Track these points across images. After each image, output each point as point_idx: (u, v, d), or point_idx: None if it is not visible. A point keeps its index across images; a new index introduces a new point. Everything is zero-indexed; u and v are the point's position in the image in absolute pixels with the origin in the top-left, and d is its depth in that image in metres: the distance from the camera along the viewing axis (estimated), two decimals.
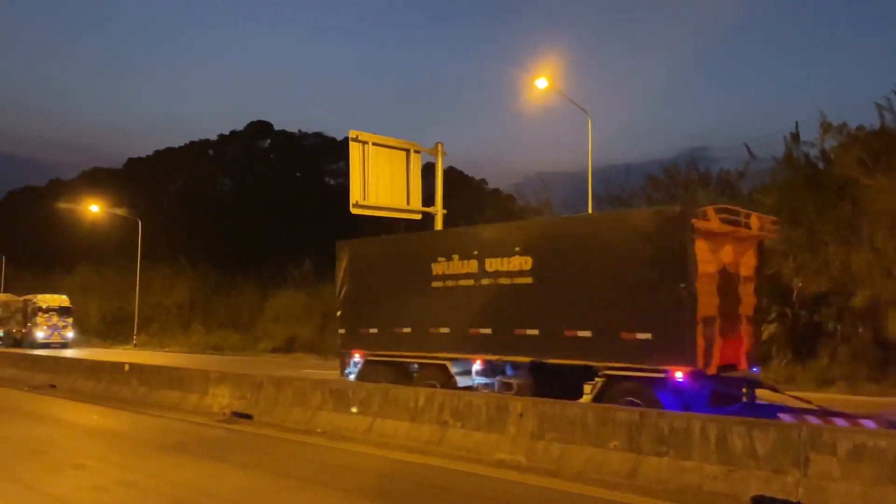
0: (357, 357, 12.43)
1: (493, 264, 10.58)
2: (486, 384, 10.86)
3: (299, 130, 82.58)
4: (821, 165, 20.81)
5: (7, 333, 41.02)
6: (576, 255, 9.90)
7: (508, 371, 10.74)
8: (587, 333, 9.48)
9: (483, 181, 71.84)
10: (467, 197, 48.32)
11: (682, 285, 8.64)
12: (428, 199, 25.42)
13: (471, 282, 10.85)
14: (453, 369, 10.92)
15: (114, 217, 49.82)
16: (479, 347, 10.72)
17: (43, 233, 65.42)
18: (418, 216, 25.32)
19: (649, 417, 6.92)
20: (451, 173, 46.65)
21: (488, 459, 7.76)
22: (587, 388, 9.51)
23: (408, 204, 24.34)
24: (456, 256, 11.09)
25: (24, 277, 54.17)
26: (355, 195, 23.22)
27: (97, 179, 71.23)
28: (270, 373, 13.04)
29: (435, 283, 11.31)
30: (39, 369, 17.85)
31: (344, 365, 12.81)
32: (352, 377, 12.32)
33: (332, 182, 74.52)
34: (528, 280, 10.19)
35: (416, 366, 11.70)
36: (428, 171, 25.51)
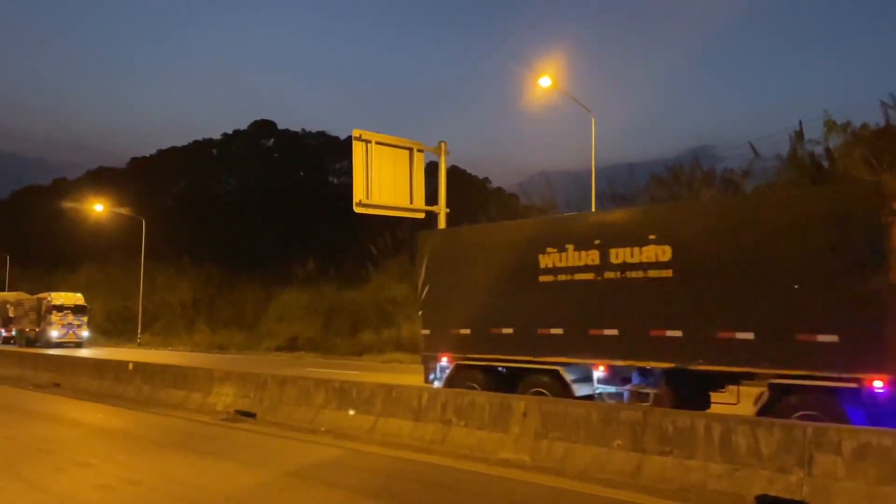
0: (444, 361, 11.13)
1: (619, 255, 9.22)
2: (611, 394, 9.59)
3: (303, 129, 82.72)
4: (825, 164, 20.78)
5: (20, 333, 40.29)
6: (732, 242, 8.47)
7: (635, 378, 9.47)
8: (748, 335, 8.11)
9: (486, 180, 71.89)
10: (470, 196, 48.32)
11: (883, 276, 7.30)
12: (431, 197, 25.48)
13: (590, 275, 9.48)
14: (568, 376, 9.63)
15: (118, 216, 49.95)
16: (602, 351, 9.38)
17: (48, 232, 65.60)
18: (422, 215, 25.36)
19: (653, 416, 6.91)
20: (454, 172, 46.65)
21: (492, 458, 7.76)
22: (718, 396, 8.78)
23: (411, 203, 24.38)
24: (570, 247, 9.72)
25: (29, 276, 54.44)
26: (358, 194, 23.25)
27: (101, 179, 71.44)
28: (274, 371, 13.04)
29: (543, 278, 9.96)
30: (44, 368, 17.90)
31: (428, 370, 11.47)
32: (437, 384, 11.05)
33: (336, 181, 74.59)
34: (667, 273, 8.79)
35: (515, 371, 10.33)
36: (431, 170, 25.52)
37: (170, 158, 79.78)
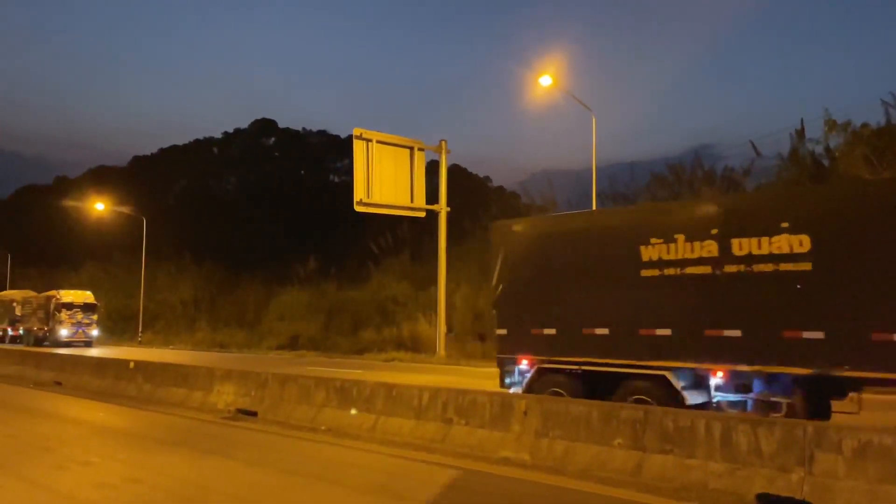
0: (524, 364, 10.20)
1: (743, 246, 8.21)
2: (732, 402, 8.50)
3: (303, 128, 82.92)
4: (826, 163, 20.80)
5: (28, 332, 39.22)
6: (891, 229, 7.47)
7: (756, 386, 8.40)
8: None
9: (487, 178, 72.09)
10: (471, 195, 48.36)
11: None
12: (432, 196, 25.51)
13: (707, 269, 8.46)
14: (678, 382, 8.51)
15: (119, 215, 50.07)
16: (721, 354, 8.35)
17: (49, 230, 65.74)
18: (422, 214, 25.49)
19: (654, 415, 6.91)
20: (454, 171, 46.68)
21: (493, 457, 7.77)
22: (838, 405, 8.12)
23: (412, 202, 24.51)
24: (681, 237, 8.69)
25: (31, 275, 54.52)
26: (359, 193, 23.35)
27: (103, 177, 71.57)
28: (275, 370, 13.04)
29: (646, 272, 8.95)
30: (45, 366, 17.93)
31: (504, 374, 10.57)
32: (515, 389, 10.18)
33: (337, 180, 74.70)
34: (805, 266, 7.78)
35: (611, 376, 9.22)
36: (432, 168, 25.49)
37: (171, 157, 79.92)
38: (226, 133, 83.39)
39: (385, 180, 23.50)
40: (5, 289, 50.97)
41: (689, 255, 8.64)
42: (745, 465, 6.16)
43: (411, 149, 24.30)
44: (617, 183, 28.21)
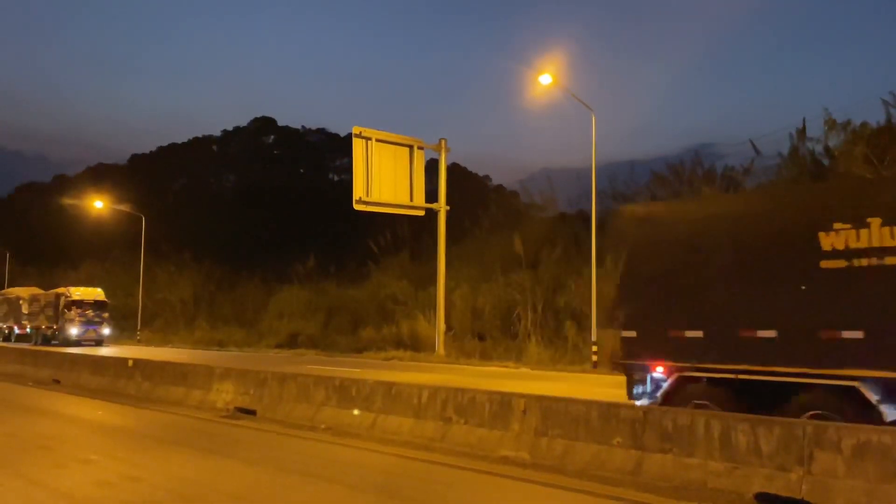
0: (659, 372, 8.80)
1: None
2: None
3: (303, 126, 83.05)
4: (825, 162, 20.80)
5: (36, 330, 38.13)
6: None
7: None
8: None
9: (487, 177, 72.19)
10: (471, 193, 48.37)
11: None
12: (431, 195, 25.49)
13: None
14: (872, 394, 7.21)
15: (118, 213, 50.06)
16: None
17: (48, 228, 65.79)
18: (422, 213, 25.48)
19: (653, 414, 6.92)
20: (454, 169, 46.66)
21: (492, 456, 7.77)
22: None
23: (411, 200, 24.50)
24: (875, 220, 7.33)
25: (30, 273, 54.51)
26: (358, 191, 23.34)
27: (102, 175, 71.61)
28: (274, 369, 13.03)
29: (827, 263, 7.60)
30: (44, 364, 17.93)
31: (633, 382, 9.14)
32: (645, 401, 8.78)
33: (336, 178, 74.74)
34: None
35: (777, 387, 7.82)
36: (431, 167, 25.42)
37: (170, 155, 79.97)
38: (225, 131, 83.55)
39: (384, 179, 23.48)
40: (3, 287, 50.92)
41: (888, 243, 7.27)
42: (744, 465, 6.16)
43: (411, 147, 24.28)
44: (617, 182, 28.17)
